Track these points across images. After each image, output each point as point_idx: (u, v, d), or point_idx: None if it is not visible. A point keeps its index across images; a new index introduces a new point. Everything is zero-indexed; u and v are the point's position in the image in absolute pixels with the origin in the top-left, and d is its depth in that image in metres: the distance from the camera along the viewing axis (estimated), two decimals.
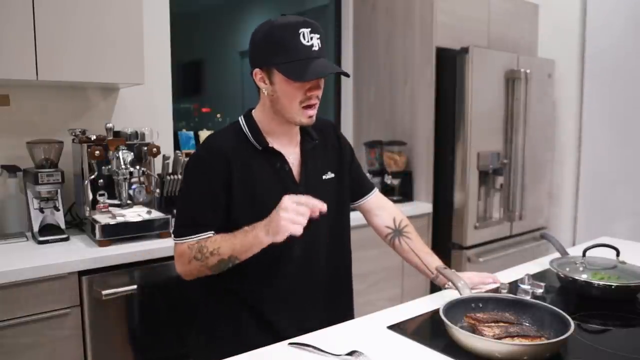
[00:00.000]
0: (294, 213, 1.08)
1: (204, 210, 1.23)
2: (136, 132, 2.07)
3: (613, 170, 3.07)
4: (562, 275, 1.38)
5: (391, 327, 1.15)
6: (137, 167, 1.99)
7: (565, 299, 1.34)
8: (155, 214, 1.96)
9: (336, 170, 1.38)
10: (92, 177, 1.94)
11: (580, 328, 1.15)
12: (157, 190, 2.13)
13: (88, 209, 1.91)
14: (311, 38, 1.17)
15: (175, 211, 1.32)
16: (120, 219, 1.87)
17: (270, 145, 1.26)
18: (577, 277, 1.35)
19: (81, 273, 1.67)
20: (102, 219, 1.86)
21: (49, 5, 1.79)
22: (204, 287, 1.32)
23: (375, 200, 1.51)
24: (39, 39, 1.78)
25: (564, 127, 3.30)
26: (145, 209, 2.02)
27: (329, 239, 1.34)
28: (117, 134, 2.03)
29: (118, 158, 1.95)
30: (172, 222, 1.94)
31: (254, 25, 1.24)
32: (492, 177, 2.87)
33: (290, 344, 1.07)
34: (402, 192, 2.83)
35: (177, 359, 1.84)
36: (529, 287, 1.33)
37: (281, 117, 1.24)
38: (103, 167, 1.98)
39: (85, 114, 2.21)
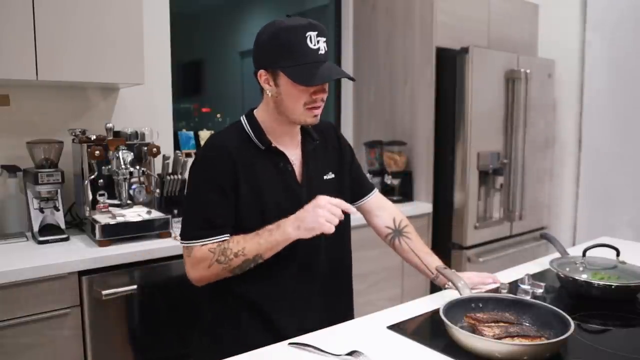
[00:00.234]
0: (329, 212, 1.11)
1: (218, 210, 1.22)
2: (136, 132, 2.07)
3: (613, 170, 3.07)
4: (562, 275, 1.38)
5: (391, 327, 1.15)
6: (137, 167, 1.99)
7: (565, 299, 1.34)
8: (155, 214, 1.96)
9: (337, 171, 1.38)
10: (92, 177, 1.94)
11: (580, 328, 1.15)
12: (157, 190, 2.13)
13: (88, 209, 1.91)
14: (318, 41, 1.17)
15: (182, 215, 1.28)
16: (120, 219, 1.87)
17: (273, 145, 1.27)
18: (577, 277, 1.35)
19: (81, 273, 1.66)
20: (102, 219, 1.86)
21: (49, 5, 1.79)
22: (205, 288, 1.32)
23: (375, 200, 1.52)
24: (39, 39, 1.78)
25: (564, 127, 3.30)
26: (145, 209, 2.02)
27: (329, 239, 1.34)
28: (117, 134, 2.03)
29: (118, 158, 1.95)
30: (172, 222, 1.95)
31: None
32: (492, 177, 2.87)
33: (290, 344, 1.07)
34: (402, 192, 2.83)
35: (177, 359, 1.84)
36: (529, 287, 1.33)
37: (285, 117, 1.24)
38: (103, 167, 1.98)
39: (85, 114, 2.21)
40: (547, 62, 3.13)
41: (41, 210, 1.92)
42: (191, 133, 2.63)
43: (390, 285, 2.67)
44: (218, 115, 2.95)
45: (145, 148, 2.04)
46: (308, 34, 1.16)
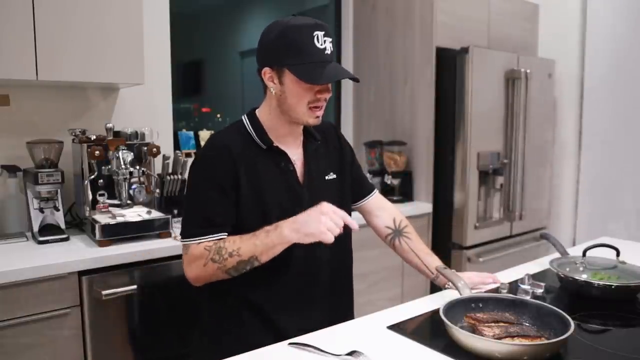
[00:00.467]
0: (332, 221, 1.09)
1: (217, 209, 1.21)
2: (136, 132, 2.07)
3: (613, 170, 3.07)
4: (562, 275, 1.38)
5: (391, 327, 1.15)
6: (137, 167, 1.99)
7: (565, 299, 1.34)
8: (155, 214, 1.96)
9: (338, 171, 1.38)
10: (92, 177, 1.94)
11: (580, 328, 1.15)
12: (157, 190, 2.13)
13: (88, 209, 1.91)
14: (324, 41, 1.18)
15: (182, 214, 1.27)
16: (120, 219, 1.87)
17: (274, 144, 1.26)
18: (577, 277, 1.35)
19: (81, 273, 1.66)
20: (102, 219, 1.86)
21: (49, 5, 1.79)
22: (205, 288, 1.32)
23: (375, 201, 1.52)
24: (39, 39, 1.78)
25: (564, 127, 3.30)
26: (145, 209, 2.02)
27: None
28: (117, 134, 2.03)
29: (118, 158, 1.95)
30: (172, 222, 1.95)
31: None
32: (492, 177, 2.87)
33: (290, 344, 1.07)
34: (402, 192, 2.83)
35: (177, 359, 1.84)
36: (529, 287, 1.33)
37: (287, 116, 1.24)
38: (103, 167, 1.98)
39: (85, 114, 2.21)
40: (547, 62, 3.13)
41: (41, 210, 1.92)
42: (191, 133, 2.63)
43: (390, 285, 2.67)
44: (218, 115, 2.95)
45: (145, 148, 2.04)
46: (315, 33, 1.16)
